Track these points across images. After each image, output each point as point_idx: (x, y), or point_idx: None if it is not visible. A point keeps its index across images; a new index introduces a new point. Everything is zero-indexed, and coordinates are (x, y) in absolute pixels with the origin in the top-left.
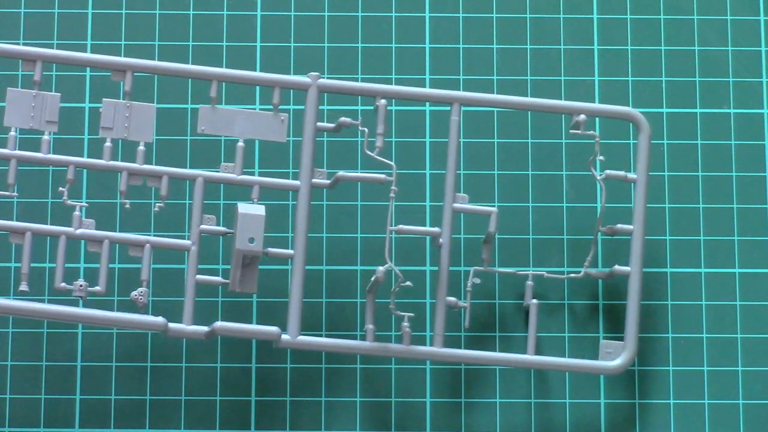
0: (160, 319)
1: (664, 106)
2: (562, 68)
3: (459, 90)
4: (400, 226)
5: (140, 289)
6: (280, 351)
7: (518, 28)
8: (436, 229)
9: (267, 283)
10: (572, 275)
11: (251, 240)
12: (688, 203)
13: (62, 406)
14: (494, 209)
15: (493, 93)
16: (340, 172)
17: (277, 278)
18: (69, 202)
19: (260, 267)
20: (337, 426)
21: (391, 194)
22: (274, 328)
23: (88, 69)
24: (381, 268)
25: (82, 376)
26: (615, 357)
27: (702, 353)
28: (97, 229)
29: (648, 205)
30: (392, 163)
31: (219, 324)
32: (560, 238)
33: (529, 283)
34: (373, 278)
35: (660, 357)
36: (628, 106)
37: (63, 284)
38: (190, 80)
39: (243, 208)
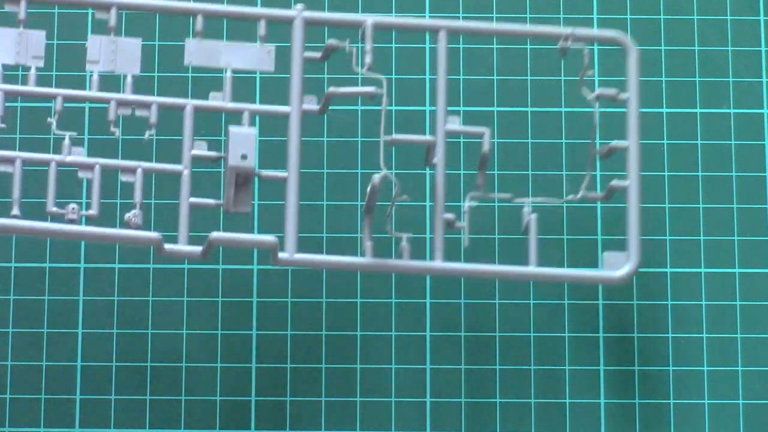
0: (154, 234)
1: (664, 106)
2: (562, 68)
3: (459, 90)
4: (394, 136)
5: (134, 211)
6: (281, 350)
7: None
8: (430, 138)
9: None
10: (570, 198)
11: (243, 156)
12: (688, 203)
13: (62, 406)
14: (486, 129)
15: (493, 95)
16: (331, 88)
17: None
18: (58, 132)
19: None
20: (337, 426)
21: (383, 106)
22: (270, 237)
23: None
24: (377, 175)
25: (82, 376)
26: (618, 267)
27: (702, 353)
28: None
29: (648, 206)
30: (382, 77)
31: (216, 234)
32: (560, 238)
33: (527, 209)
34: (368, 188)
35: (660, 357)
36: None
37: (54, 208)
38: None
39: (235, 128)
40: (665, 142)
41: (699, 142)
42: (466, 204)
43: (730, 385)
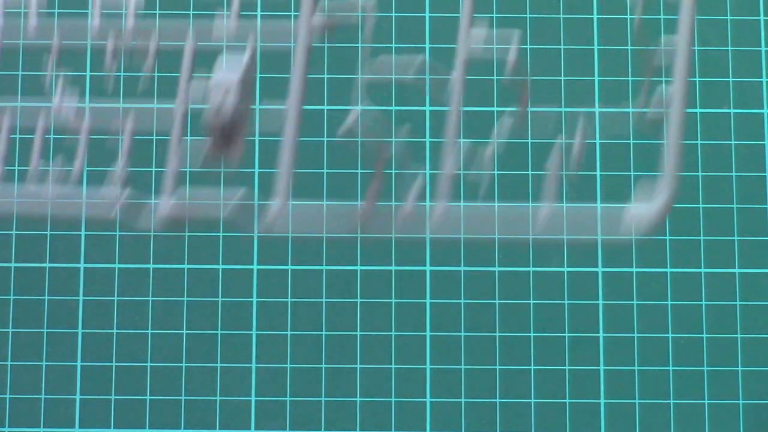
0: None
1: (664, 106)
2: (562, 68)
3: (459, 90)
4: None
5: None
6: (281, 350)
7: (518, 28)
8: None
9: None
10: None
11: (218, 111)
12: (688, 203)
13: (62, 406)
14: (516, 31)
15: (493, 96)
16: (318, 17)
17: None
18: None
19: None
20: (337, 426)
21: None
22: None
23: (88, 69)
24: (352, 112)
25: (82, 376)
26: (648, 200)
27: (702, 353)
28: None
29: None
30: None
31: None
32: (560, 237)
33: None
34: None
35: (660, 357)
36: (628, 107)
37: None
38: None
39: (215, 76)
40: (665, 142)
41: (699, 142)
42: (497, 127)
43: (730, 385)
